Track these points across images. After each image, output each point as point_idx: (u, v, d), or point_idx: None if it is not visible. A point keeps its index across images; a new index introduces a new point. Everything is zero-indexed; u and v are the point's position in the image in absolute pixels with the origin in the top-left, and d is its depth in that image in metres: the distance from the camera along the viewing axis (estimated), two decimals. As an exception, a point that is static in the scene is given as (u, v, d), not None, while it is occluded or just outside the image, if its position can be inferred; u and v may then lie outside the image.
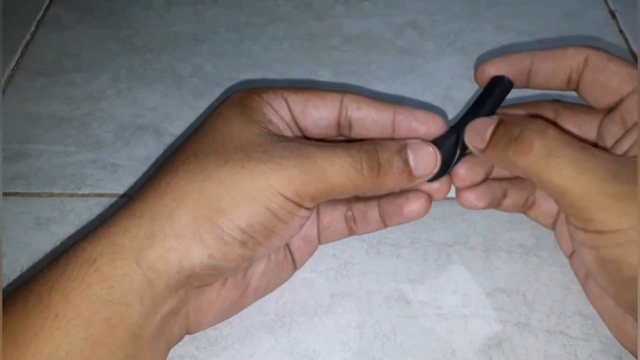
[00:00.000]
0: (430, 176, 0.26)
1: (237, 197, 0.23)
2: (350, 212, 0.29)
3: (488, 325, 0.28)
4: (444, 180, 0.27)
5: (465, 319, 0.28)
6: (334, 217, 0.29)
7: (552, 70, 0.27)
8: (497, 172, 0.29)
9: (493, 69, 0.27)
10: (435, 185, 0.27)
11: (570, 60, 0.26)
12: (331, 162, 0.24)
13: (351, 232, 0.30)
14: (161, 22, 0.44)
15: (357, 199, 0.30)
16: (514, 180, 0.29)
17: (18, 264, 0.30)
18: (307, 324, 0.28)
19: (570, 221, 0.24)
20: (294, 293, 0.29)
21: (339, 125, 0.27)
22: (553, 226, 0.30)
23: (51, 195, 0.34)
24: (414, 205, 0.28)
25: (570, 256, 0.29)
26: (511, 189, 0.29)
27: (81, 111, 0.38)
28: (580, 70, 0.26)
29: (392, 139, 0.27)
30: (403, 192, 0.28)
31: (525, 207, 0.30)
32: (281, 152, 0.23)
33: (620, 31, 0.42)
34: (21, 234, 0.32)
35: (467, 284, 0.29)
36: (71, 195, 0.34)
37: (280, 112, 0.26)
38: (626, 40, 0.41)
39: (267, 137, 0.24)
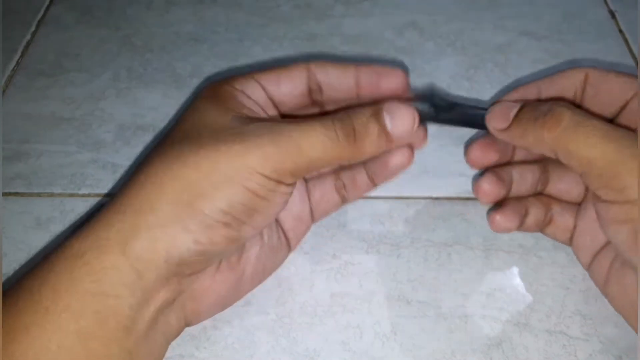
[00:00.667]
0: (411, 134, 0.26)
1: (214, 179, 0.23)
2: (339, 181, 0.30)
3: (488, 325, 0.28)
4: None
5: (465, 319, 0.28)
6: (325, 189, 0.29)
7: (559, 93, 0.28)
8: (515, 190, 0.29)
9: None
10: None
11: (573, 81, 0.27)
12: (306, 135, 0.24)
13: (343, 200, 0.30)
14: (161, 22, 0.44)
15: (344, 167, 0.30)
16: (531, 198, 0.30)
17: (18, 264, 0.30)
18: (307, 324, 0.28)
19: (599, 199, 0.24)
20: (294, 293, 0.29)
21: (310, 91, 0.28)
22: (570, 241, 0.30)
23: (51, 195, 0.34)
24: (397, 157, 0.28)
25: (588, 266, 0.28)
26: (531, 207, 0.29)
27: (81, 111, 0.38)
28: (583, 87, 0.27)
29: (358, 99, 0.28)
30: None
31: (544, 224, 0.30)
32: (255, 131, 0.24)
33: (620, 31, 0.42)
34: (21, 234, 0.32)
35: (467, 284, 0.30)
36: (71, 195, 0.34)
37: (253, 96, 0.26)
38: (626, 41, 0.41)
39: (241, 120, 0.24)
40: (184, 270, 0.23)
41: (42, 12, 0.45)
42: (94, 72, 0.40)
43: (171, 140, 0.24)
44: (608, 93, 0.26)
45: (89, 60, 0.41)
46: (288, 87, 0.27)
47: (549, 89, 0.28)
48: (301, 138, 0.23)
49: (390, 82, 0.27)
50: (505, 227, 0.29)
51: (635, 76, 0.26)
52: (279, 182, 0.24)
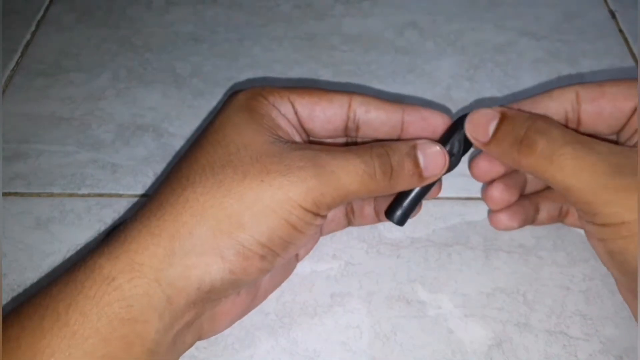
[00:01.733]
0: (440, 176, 0.26)
1: (257, 212, 0.23)
2: (349, 206, 0.30)
3: (488, 325, 0.28)
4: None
5: (465, 319, 0.28)
6: (337, 210, 0.30)
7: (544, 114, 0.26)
8: (529, 187, 0.29)
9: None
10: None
11: (561, 102, 0.26)
12: (346, 170, 0.24)
13: (349, 223, 0.31)
14: (161, 22, 0.44)
15: None
16: (543, 192, 0.29)
17: (18, 264, 0.30)
18: (307, 324, 0.28)
19: (580, 215, 0.25)
20: (294, 293, 0.29)
21: (346, 127, 0.27)
22: None
23: (51, 195, 0.34)
24: None
25: None
26: (542, 202, 0.29)
27: (81, 111, 0.38)
28: (577, 108, 0.26)
29: (399, 139, 0.27)
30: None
31: (561, 217, 0.30)
32: (298, 162, 0.23)
33: (620, 31, 0.42)
34: (21, 234, 0.32)
35: (467, 284, 0.29)
36: (71, 195, 0.34)
37: (287, 115, 0.26)
38: (626, 40, 0.41)
39: (280, 145, 0.24)
40: (211, 297, 0.23)
41: (42, 12, 0.45)
42: (94, 72, 0.40)
43: (211, 161, 0.24)
44: (614, 106, 0.25)
45: (89, 60, 0.41)
46: (321, 120, 0.26)
47: (532, 111, 0.26)
48: (341, 173, 0.24)
49: (437, 127, 0.27)
50: (506, 226, 0.29)
51: (632, 80, 0.25)
52: (317, 214, 0.24)
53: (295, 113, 0.26)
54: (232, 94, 0.26)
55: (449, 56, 0.41)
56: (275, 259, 0.24)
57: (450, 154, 0.26)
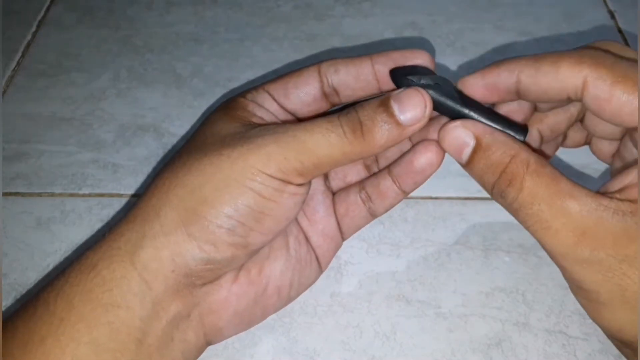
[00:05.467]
0: (424, 120, 0.23)
1: (218, 183, 0.22)
2: (364, 192, 0.28)
3: (487, 325, 0.28)
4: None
5: (464, 318, 0.28)
6: (349, 201, 0.28)
7: (545, 93, 0.23)
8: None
9: (470, 86, 0.25)
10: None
11: (565, 83, 0.22)
12: (310, 133, 0.23)
13: (372, 213, 0.28)
14: (161, 22, 0.44)
15: (369, 176, 0.29)
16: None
17: (18, 264, 0.31)
18: (307, 324, 0.28)
19: None
20: (294, 293, 0.29)
21: (325, 95, 0.26)
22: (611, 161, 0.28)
23: (52, 195, 0.34)
24: (424, 155, 0.26)
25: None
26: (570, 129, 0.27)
27: (82, 111, 0.38)
28: (579, 95, 0.23)
29: (381, 93, 0.26)
30: (412, 147, 0.27)
31: (585, 143, 0.28)
32: (258, 133, 0.23)
33: (620, 31, 0.42)
34: (21, 234, 0.32)
35: (466, 284, 0.30)
36: (72, 195, 0.34)
37: (264, 104, 0.26)
38: (625, 41, 0.41)
39: (248, 126, 0.24)
40: (193, 281, 0.23)
41: (42, 13, 0.45)
42: (95, 72, 0.41)
43: (180, 152, 0.25)
44: (613, 116, 0.22)
45: (90, 60, 0.41)
46: (298, 96, 0.26)
47: (532, 84, 0.23)
48: (306, 136, 0.23)
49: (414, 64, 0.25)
50: None
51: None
52: (286, 181, 0.23)
53: (273, 99, 0.26)
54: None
55: (448, 56, 0.41)
56: (249, 233, 0.23)
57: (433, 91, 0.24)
